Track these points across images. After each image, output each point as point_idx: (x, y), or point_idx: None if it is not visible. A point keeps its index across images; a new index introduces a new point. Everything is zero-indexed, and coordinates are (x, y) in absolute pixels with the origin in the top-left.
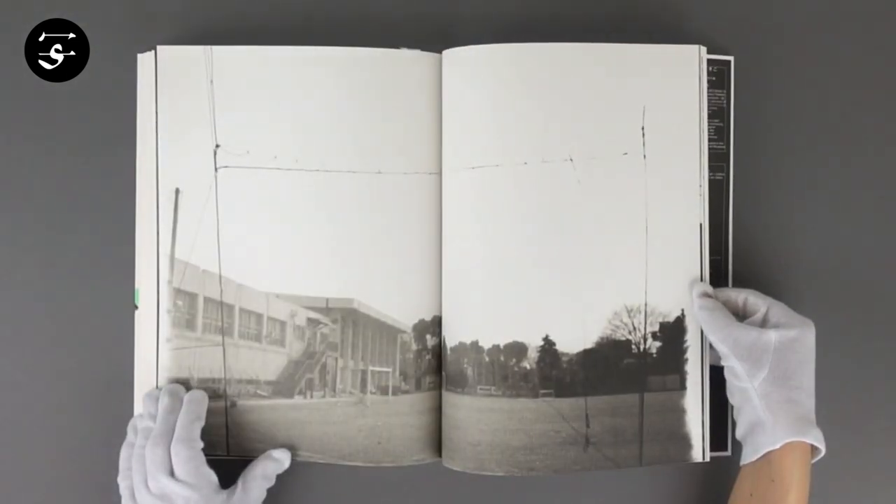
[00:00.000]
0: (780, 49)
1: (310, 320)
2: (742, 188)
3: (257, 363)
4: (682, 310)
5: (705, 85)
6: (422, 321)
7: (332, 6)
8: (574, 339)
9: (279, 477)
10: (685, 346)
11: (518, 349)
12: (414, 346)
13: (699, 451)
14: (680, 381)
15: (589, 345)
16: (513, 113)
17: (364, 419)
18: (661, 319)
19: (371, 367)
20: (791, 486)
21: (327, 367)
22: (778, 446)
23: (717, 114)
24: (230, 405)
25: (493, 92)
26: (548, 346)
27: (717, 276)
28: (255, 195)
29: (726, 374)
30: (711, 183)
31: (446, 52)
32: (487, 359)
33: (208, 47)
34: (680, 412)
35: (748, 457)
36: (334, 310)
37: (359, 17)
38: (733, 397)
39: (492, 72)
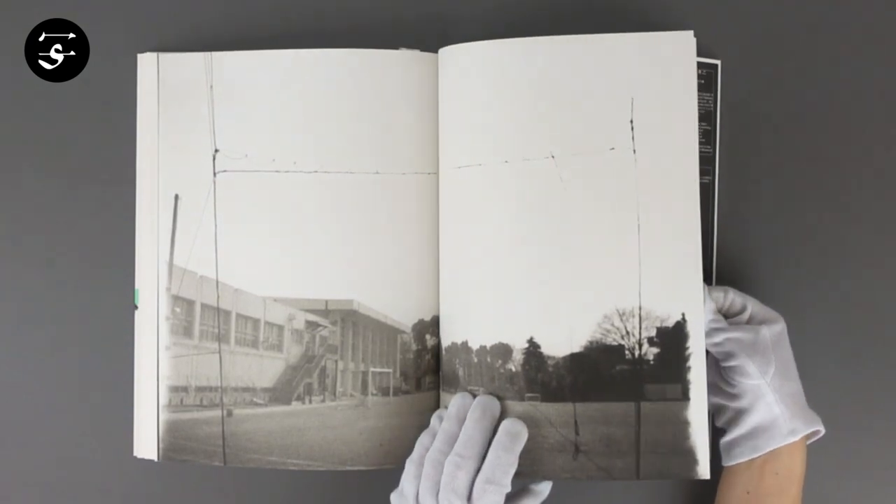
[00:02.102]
0: (768, 53)
1: (308, 323)
2: (728, 192)
3: (254, 370)
4: (683, 314)
5: (694, 74)
6: (421, 321)
7: (330, 8)
8: (560, 343)
9: (273, 489)
10: (687, 353)
11: (503, 350)
12: (414, 347)
13: (705, 467)
14: (682, 391)
15: (576, 349)
16: (493, 110)
17: (366, 421)
18: (657, 324)
19: (372, 369)
20: (795, 477)
21: (327, 371)
22: (797, 438)
23: (704, 117)
24: (227, 414)
25: (474, 89)
26: (532, 349)
27: (704, 279)
28: (254, 199)
29: (731, 375)
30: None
31: (442, 51)
32: (476, 359)
33: (208, 53)
34: (682, 424)
35: (745, 455)
36: (334, 311)
37: (358, 18)
38: (741, 398)
39: (472, 69)
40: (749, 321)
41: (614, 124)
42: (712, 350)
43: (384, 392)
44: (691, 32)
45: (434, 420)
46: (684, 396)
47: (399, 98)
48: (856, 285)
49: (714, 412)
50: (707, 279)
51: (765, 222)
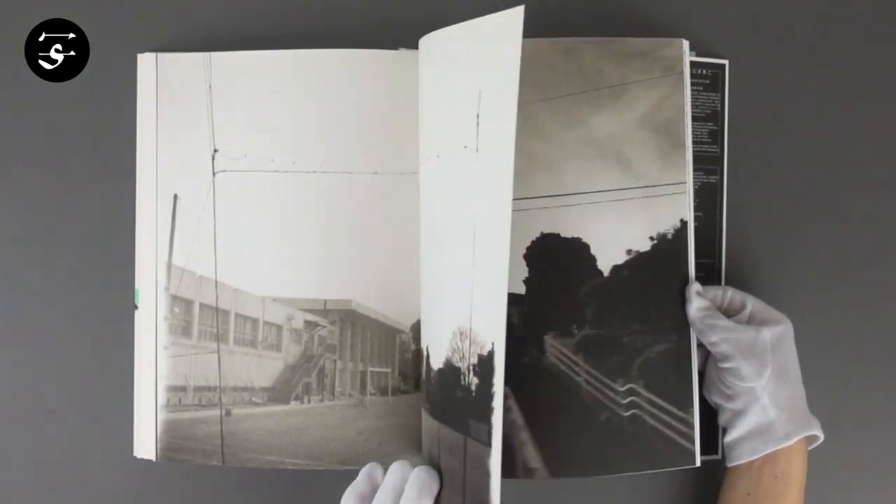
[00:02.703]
0: (774, 53)
1: (307, 323)
2: (735, 191)
3: (252, 370)
4: (493, 343)
5: (519, 55)
6: (420, 321)
7: (329, 8)
8: (435, 356)
9: (272, 489)
10: (492, 390)
11: (421, 355)
12: (412, 346)
13: None
14: (487, 434)
15: (440, 364)
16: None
17: (364, 421)
18: (479, 350)
19: (370, 368)
20: (794, 481)
21: (325, 370)
22: (792, 442)
23: (711, 117)
24: (225, 414)
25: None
26: (427, 358)
27: (710, 279)
28: (253, 199)
29: (726, 377)
30: (705, 186)
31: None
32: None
33: (207, 54)
34: (484, 474)
35: (744, 456)
36: (332, 311)
37: (357, 18)
38: (736, 400)
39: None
40: (750, 320)
41: (467, 120)
42: (710, 349)
43: (383, 392)
44: (521, 8)
45: (363, 479)
46: (487, 442)
47: (397, 98)
48: (861, 287)
49: (716, 411)
50: (715, 279)
51: (772, 222)
